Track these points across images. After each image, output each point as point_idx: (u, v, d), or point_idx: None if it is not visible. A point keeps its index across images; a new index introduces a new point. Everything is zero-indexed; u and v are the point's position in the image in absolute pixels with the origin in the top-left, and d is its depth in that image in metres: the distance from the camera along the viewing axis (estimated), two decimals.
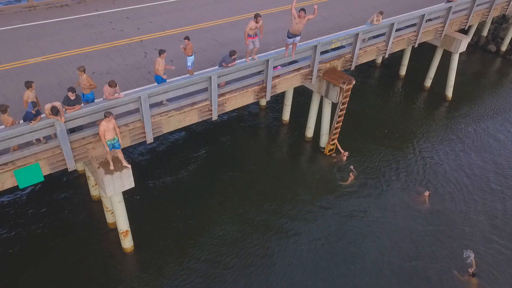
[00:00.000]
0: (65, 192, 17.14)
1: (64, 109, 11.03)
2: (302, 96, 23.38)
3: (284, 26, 19.32)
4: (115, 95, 11.90)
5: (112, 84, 11.71)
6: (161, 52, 12.91)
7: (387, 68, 27.71)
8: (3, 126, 11.12)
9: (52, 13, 18.90)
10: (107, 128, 11.29)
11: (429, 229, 16.61)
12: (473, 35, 31.03)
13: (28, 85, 11.15)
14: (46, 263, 14.40)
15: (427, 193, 17.86)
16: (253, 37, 14.21)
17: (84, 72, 11.92)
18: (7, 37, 16.67)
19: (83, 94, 12.14)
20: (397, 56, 26.58)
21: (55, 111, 10.54)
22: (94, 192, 16.36)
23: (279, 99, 23.08)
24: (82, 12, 19.18)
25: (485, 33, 31.24)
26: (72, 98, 11.11)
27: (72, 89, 11.11)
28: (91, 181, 15.95)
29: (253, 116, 22.58)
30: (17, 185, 11.38)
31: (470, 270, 14.79)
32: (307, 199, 17.46)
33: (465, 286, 14.66)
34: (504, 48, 30.62)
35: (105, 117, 11.18)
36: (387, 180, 18.77)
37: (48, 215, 16.12)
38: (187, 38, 13.81)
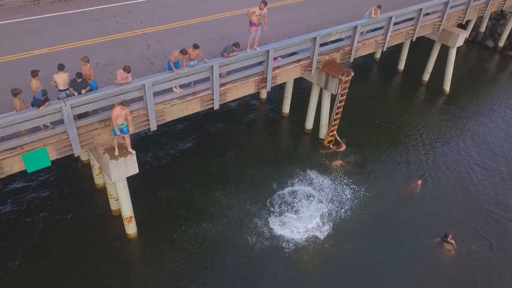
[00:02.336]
0: (70, 182, 17.51)
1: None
2: (302, 89, 23.75)
3: (284, 20, 19.75)
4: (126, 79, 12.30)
5: (126, 69, 12.12)
6: (183, 51, 12.83)
7: (386, 63, 28.08)
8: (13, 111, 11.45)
9: (55, 7, 19.23)
10: (120, 114, 11.71)
11: (416, 212, 17.23)
12: (471, 31, 31.40)
13: (34, 74, 11.52)
14: (52, 250, 14.76)
15: (419, 182, 18.33)
16: (257, 25, 14.49)
17: (88, 62, 12.26)
18: (12, 30, 16.99)
19: None
20: (395, 51, 26.96)
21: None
22: (98, 180, 16.70)
23: (279, 92, 23.44)
24: (85, 6, 19.50)
25: (483, 29, 31.58)
26: (79, 81, 11.55)
27: (79, 74, 11.55)
28: (95, 170, 16.29)
29: (253, 109, 22.92)
30: (25, 170, 11.71)
31: (446, 235, 15.84)
32: (306, 189, 17.77)
33: (438, 248, 15.72)
34: (501, 44, 30.96)
35: (122, 104, 11.61)
36: (383, 170, 19.14)
37: (53, 203, 16.48)
38: (196, 46, 13.45)
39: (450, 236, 15.72)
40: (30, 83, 11.55)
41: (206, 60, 13.69)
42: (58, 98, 11.61)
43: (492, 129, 22.47)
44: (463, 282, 14.69)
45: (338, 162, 19.27)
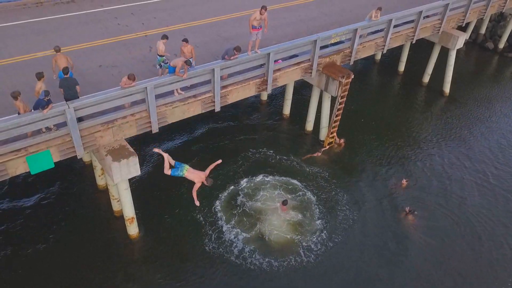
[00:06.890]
0: (72, 183, 17.63)
1: None
2: (302, 90, 23.88)
3: (285, 22, 19.90)
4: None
5: (131, 77, 12.37)
6: (187, 62, 13.02)
7: (386, 65, 28.21)
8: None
9: (58, 8, 19.41)
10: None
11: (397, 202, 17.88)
12: (471, 32, 31.52)
13: (40, 76, 11.73)
14: (53, 251, 14.91)
15: (404, 181, 18.60)
16: (258, 28, 14.68)
17: (58, 51, 12.97)
18: (17, 31, 17.17)
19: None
20: (395, 53, 27.07)
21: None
22: (100, 181, 16.85)
23: (279, 93, 23.57)
24: (88, 8, 19.67)
25: (483, 30, 31.70)
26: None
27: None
28: (97, 171, 16.44)
29: (254, 110, 23.06)
30: (29, 171, 11.87)
31: (407, 209, 17.23)
32: (305, 187, 17.93)
33: (402, 221, 17.05)
34: (501, 45, 31.07)
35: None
36: (380, 170, 19.38)
37: (55, 204, 16.63)
38: (185, 40, 14.10)
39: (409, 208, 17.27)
40: (35, 86, 11.77)
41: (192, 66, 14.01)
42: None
43: (492, 131, 22.58)
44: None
45: (317, 154, 19.85)
